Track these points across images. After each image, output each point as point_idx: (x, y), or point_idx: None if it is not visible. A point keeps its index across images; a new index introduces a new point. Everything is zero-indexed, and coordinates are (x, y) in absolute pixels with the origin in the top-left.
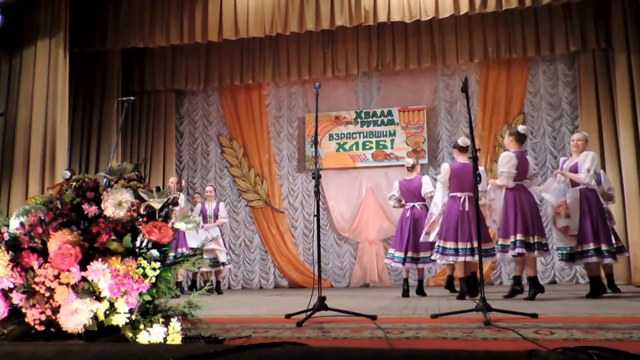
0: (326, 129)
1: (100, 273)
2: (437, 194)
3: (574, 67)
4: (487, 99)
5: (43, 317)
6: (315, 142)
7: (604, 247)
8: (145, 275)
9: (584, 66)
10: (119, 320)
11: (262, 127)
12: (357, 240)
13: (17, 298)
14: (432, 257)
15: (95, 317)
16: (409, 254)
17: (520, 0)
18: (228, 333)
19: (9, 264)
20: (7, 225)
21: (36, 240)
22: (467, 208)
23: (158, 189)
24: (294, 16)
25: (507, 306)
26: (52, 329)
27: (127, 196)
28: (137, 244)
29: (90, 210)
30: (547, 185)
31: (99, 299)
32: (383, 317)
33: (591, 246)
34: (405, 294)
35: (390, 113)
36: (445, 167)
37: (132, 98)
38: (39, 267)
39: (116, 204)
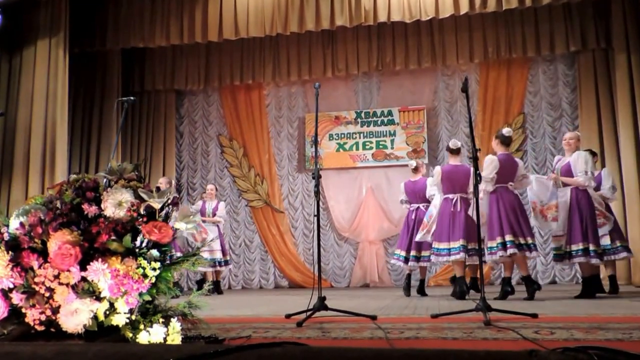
0: (326, 129)
1: (100, 273)
2: (436, 196)
3: (574, 67)
4: (487, 99)
5: (43, 317)
6: (315, 142)
7: (591, 247)
8: (145, 275)
9: (584, 66)
10: (119, 320)
11: (262, 127)
12: (357, 240)
13: (17, 298)
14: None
15: (95, 317)
16: (412, 253)
17: (520, 0)
18: (228, 333)
19: (9, 264)
20: (7, 225)
21: (36, 240)
22: (459, 209)
23: (158, 189)
24: (294, 16)
25: (507, 306)
26: (52, 329)
27: (127, 196)
28: (137, 244)
29: (90, 210)
30: (541, 185)
31: (99, 299)
32: (383, 317)
33: (580, 246)
34: (407, 288)
35: (390, 113)
36: (437, 170)
37: (132, 98)
38: (39, 267)
39: (116, 204)
